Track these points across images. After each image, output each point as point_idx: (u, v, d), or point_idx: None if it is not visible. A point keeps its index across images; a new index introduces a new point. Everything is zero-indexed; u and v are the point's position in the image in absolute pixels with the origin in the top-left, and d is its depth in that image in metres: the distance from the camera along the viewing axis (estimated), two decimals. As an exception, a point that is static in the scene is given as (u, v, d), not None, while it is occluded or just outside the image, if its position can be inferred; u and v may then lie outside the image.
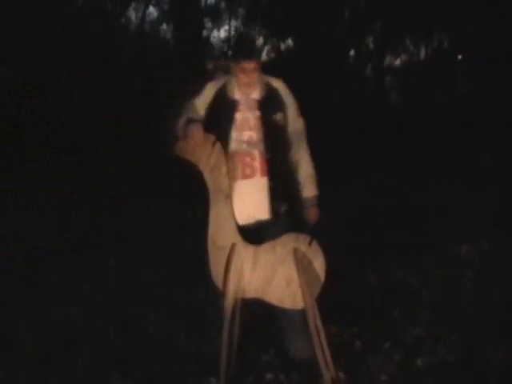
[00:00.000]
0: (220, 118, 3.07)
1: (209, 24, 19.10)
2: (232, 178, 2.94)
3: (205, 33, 16.93)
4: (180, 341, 3.56)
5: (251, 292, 2.83)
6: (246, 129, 3.06)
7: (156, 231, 5.97)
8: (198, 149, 2.78)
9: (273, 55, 18.49)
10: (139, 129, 12.76)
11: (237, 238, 2.81)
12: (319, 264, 2.79)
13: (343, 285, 3.87)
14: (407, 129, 15.30)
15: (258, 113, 3.07)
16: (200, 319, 3.81)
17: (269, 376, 3.08)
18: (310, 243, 2.79)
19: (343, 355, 3.17)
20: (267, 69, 3.21)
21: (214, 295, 3.00)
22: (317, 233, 2.93)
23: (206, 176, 2.80)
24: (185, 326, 3.74)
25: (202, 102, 3.10)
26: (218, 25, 19.93)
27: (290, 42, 16.63)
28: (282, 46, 17.49)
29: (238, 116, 3.07)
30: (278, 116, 3.10)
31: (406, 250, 4.93)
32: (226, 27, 19.71)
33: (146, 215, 6.65)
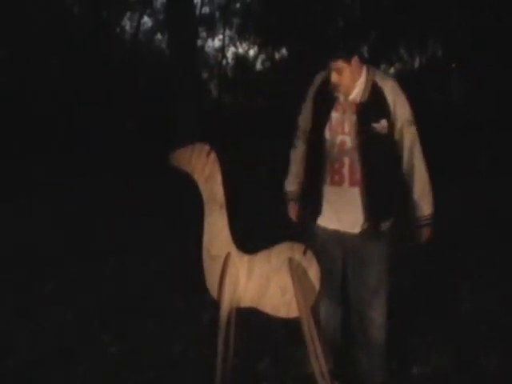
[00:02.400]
0: (317, 113, 2.91)
1: (203, 33, 19.17)
2: (321, 181, 2.88)
3: (199, 42, 17.00)
4: (176, 349, 3.56)
5: (246, 301, 2.83)
6: (339, 132, 2.82)
7: (152, 239, 5.96)
8: (193, 159, 2.78)
9: (267, 64, 18.53)
10: (134, 136, 12.77)
11: (231, 248, 2.81)
12: (314, 273, 2.79)
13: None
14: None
15: (354, 117, 2.78)
16: (196, 328, 3.81)
17: (264, 384, 3.09)
18: (304, 252, 2.80)
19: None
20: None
21: (210, 304, 3.00)
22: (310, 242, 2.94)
23: (201, 186, 2.80)
24: (181, 335, 3.74)
25: (308, 100, 2.98)
26: (212, 34, 20.00)
27: (284, 51, 16.67)
28: (277, 55, 17.54)
29: (334, 116, 2.83)
30: (381, 123, 2.76)
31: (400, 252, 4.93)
32: (221, 36, 19.77)
33: (142, 223, 6.65)
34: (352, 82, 2.78)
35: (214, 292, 2.82)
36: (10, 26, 12.05)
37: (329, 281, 2.94)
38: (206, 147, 2.80)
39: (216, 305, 2.81)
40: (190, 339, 3.65)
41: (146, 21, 18.63)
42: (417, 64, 19.01)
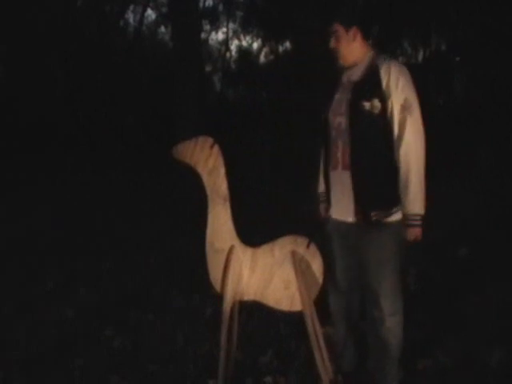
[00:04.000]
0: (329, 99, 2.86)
1: (207, 26, 19.12)
2: (328, 167, 2.85)
3: (203, 35, 16.95)
4: (178, 343, 3.56)
5: (249, 294, 2.83)
6: (337, 113, 2.77)
7: (153, 233, 5.97)
8: (196, 151, 2.78)
9: (271, 57, 18.49)
10: (136, 130, 12.75)
11: (235, 241, 2.81)
12: (317, 266, 2.79)
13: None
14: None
15: (349, 96, 2.71)
16: (198, 321, 3.82)
17: (267, 378, 3.08)
18: (308, 245, 2.79)
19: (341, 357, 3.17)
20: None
21: (212, 297, 3.00)
22: (314, 235, 2.93)
23: (204, 179, 2.79)
24: (183, 328, 3.74)
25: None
26: (215, 27, 19.95)
27: (287, 44, 16.63)
28: (280, 49, 17.50)
29: (336, 97, 2.81)
30: (373, 102, 2.62)
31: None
32: (224, 29, 19.72)
33: (142, 217, 6.65)
34: (349, 52, 2.76)
35: (217, 285, 2.81)
36: (11, 18, 12.01)
37: (333, 273, 2.94)
38: (210, 140, 2.80)
39: (219, 298, 2.81)
40: (191, 334, 3.66)
41: (150, 13, 18.56)
42: (420, 57, 18.96)
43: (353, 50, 2.77)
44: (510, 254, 4.82)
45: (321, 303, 2.89)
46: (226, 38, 19.64)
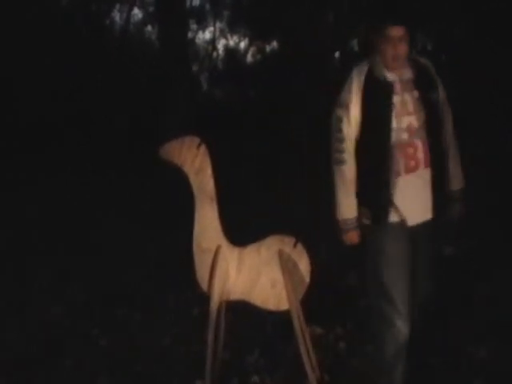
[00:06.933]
0: (375, 106, 2.65)
1: (194, 26, 19.07)
2: (395, 173, 2.64)
3: (190, 34, 16.91)
4: (165, 342, 3.56)
5: (236, 294, 2.84)
6: (404, 114, 2.66)
7: (141, 234, 5.94)
8: (183, 151, 2.78)
9: (258, 57, 18.49)
10: (124, 130, 12.69)
11: (222, 240, 2.81)
12: (304, 266, 2.80)
13: (327, 286, 3.88)
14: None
15: (416, 93, 2.67)
16: (185, 321, 3.81)
17: (254, 378, 3.09)
18: (294, 245, 2.80)
19: (328, 356, 3.18)
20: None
21: (199, 297, 3.00)
22: (303, 233, 2.94)
23: (191, 178, 2.80)
24: (170, 328, 3.74)
25: (354, 100, 2.67)
26: (203, 26, 19.91)
27: (274, 44, 16.63)
28: (267, 48, 17.49)
29: (396, 100, 2.66)
30: (436, 95, 2.72)
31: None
32: (211, 29, 19.69)
33: (131, 219, 6.63)
34: (407, 55, 2.69)
35: (204, 285, 2.82)
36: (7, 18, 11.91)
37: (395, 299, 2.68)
38: (196, 140, 2.80)
39: (206, 298, 2.81)
40: (179, 333, 3.65)
41: (136, 13, 18.46)
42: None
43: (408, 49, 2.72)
44: (497, 252, 4.84)
45: (307, 302, 2.90)
46: (213, 37, 19.61)
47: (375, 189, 2.68)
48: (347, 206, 2.73)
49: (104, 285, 4.51)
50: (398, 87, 2.67)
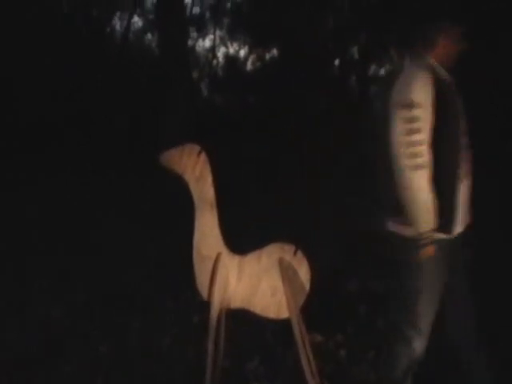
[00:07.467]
0: (445, 107, 2.45)
1: (194, 33, 19.13)
2: (458, 178, 2.51)
3: (190, 42, 16.95)
4: (164, 349, 3.55)
5: (236, 302, 2.84)
6: (462, 117, 2.56)
7: (141, 232, 5.94)
8: (184, 159, 2.78)
9: (258, 64, 18.53)
10: (124, 130, 12.68)
11: (222, 248, 2.81)
12: (304, 273, 2.80)
13: (328, 293, 3.88)
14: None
15: (460, 97, 2.56)
16: (184, 327, 3.81)
17: (254, 385, 3.09)
18: (295, 253, 2.80)
19: (328, 363, 3.18)
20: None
21: (199, 304, 3.00)
22: (302, 242, 2.94)
23: (192, 186, 2.80)
24: (169, 334, 3.73)
25: (429, 99, 2.43)
26: (203, 34, 19.97)
27: (274, 51, 16.68)
28: (267, 56, 17.54)
29: (456, 100, 2.54)
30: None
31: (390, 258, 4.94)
32: (211, 36, 19.75)
33: (131, 222, 6.62)
34: None
35: (204, 292, 2.82)
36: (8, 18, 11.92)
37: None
38: (197, 147, 2.81)
39: (206, 305, 2.81)
40: (179, 338, 3.65)
41: (136, 20, 18.53)
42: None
43: None
44: (497, 252, 4.84)
45: (307, 310, 2.90)
46: (213, 45, 19.67)
47: (444, 195, 2.49)
48: (426, 221, 2.46)
49: (104, 285, 4.50)
50: (449, 87, 2.55)
